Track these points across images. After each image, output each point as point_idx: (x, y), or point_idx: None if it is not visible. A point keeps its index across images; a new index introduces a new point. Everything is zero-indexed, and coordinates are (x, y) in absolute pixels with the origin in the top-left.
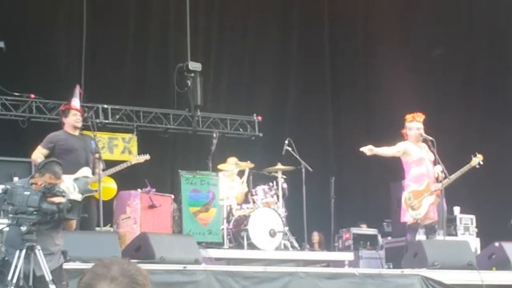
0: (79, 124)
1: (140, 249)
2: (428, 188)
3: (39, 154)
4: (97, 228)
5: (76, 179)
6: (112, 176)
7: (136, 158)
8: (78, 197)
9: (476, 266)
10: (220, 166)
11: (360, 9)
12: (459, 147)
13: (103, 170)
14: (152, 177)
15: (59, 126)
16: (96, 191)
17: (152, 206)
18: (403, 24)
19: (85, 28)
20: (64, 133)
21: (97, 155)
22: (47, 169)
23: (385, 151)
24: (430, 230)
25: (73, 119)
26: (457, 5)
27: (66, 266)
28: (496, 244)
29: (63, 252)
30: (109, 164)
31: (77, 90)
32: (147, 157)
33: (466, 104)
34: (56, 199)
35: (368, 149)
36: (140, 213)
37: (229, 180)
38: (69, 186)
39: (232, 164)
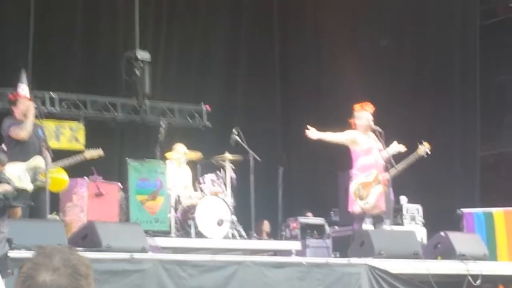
0: (29, 110)
1: (87, 237)
2: (376, 178)
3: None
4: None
5: (28, 168)
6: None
7: (90, 153)
8: (29, 186)
9: (422, 256)
10: (167, 154)
11: None
12: (407, 137)
13: (51, 160)
14: (99, 165)
15: (6, 114)
16: (46, 181)
17: (99, 194)
18: (354, 12)
19: (32, 15)
20: (14, 121)
21: (44, 144)
22: None
23: (333, 137)
24: (377, 219)
25: (23, 106)
26: None
27: (11, 254)
28: (442, 233)
29: (8, 240)
30: (56, 153)
31: (24, 76)
32: (101, 152)
33: (414, 93)
34: (1, 187)
35: (313, 133)
36: (87, 201)
37: (177, 167)
38: (21, 175)
39: (179, 152)
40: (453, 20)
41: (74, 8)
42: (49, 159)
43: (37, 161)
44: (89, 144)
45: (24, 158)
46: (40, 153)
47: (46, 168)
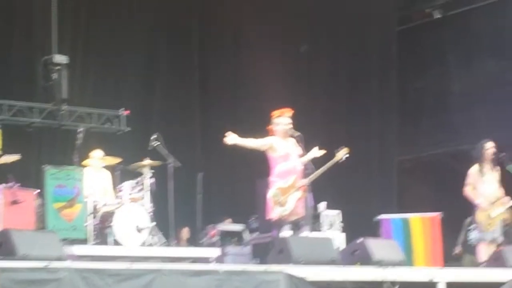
0: None
1: (1, 246)
2: (294, 184)
3: None
4: None
5: None
6: None
7: (4, 158)
8: None
9: (340, 262)
10: (85, 161)
11: (229, 5)
12: (326, 142)
13: None
14: (16, 172)
15: None
16: None
17: (15, 202)
18: (272, 18)
19: None
20: None
21: None
22: None
23: (249, 142)
24: (296, 226)
25: None
26: (321, 0)
27: None
28: (360, 240)
29: None
30: None
31: None
32: (17, 157)
33: (333, 99)
34: None
35: (230, 138)
36: (2, 209)
37: (94, 174)
38: None
39: (96, 158)
40: (371, 26)
41: None
42: None
43: None
44: (6, 150)
45: None
46: None
47: None
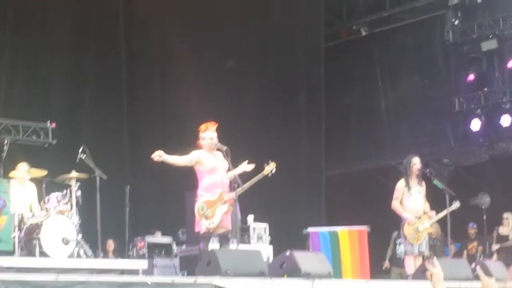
0: None
1: None
2: (221, 197)
3: None
4: None
5: None
6: None
7: None
8: None
9: (268, 274)
10: (11, 174)
11: (156, 17)
12: (254, 156)
13: None
14: None
15: None
16: None
17: None
18: (199, 33)
19: None
20: None
21: None
22: None
23: (177, 159)
24: (224, 239)
25: None
26: (248, 16)
27: None
28: (287, 253)
29: None
30: None
31: None
32: None
33: (262, 113)
34: None
35: (157, 155)
36: None
37: (20, 186)
38: None
39: (21, 170)
40: (298, 42)
41: None
42: None
43: None
44: None
45: None
46: None
47: None
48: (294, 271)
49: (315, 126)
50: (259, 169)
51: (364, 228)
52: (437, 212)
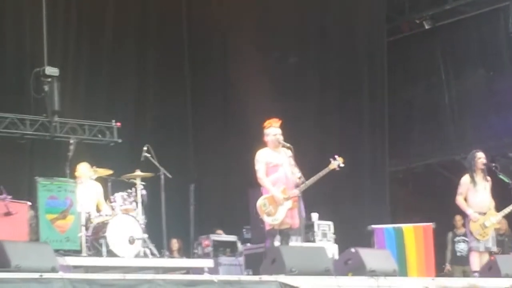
0: None
1: None
2: (284, 194)
3: None
4: None
5: None
6: None
7: None
8: None
9: (333, 272)
10: (77, 173)
11: (218, 16)
12: (317, 153)
13: None
14: (8, 183)
15: None
16: None
17: (7, 214)
18: (260, 32)
19: None
20: None
21: None
22: None
23: (269, 184)
24: (285, 236)
25: None
26: (310, 12)
27: None
28: (352, 250)
29: None
30: None
31: None
32: None
33: (324, 110)
34: None
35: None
36: None
37: (85, 186)
38: None
39: (84, 170)
40: (360, 37)
41: None
42: None
43: None
44: None
45: None
46: None
47: None
48: (359, 269)
49: (378, 121)
50: (321, 165)
51: (429, 225)
52: (504, 207)
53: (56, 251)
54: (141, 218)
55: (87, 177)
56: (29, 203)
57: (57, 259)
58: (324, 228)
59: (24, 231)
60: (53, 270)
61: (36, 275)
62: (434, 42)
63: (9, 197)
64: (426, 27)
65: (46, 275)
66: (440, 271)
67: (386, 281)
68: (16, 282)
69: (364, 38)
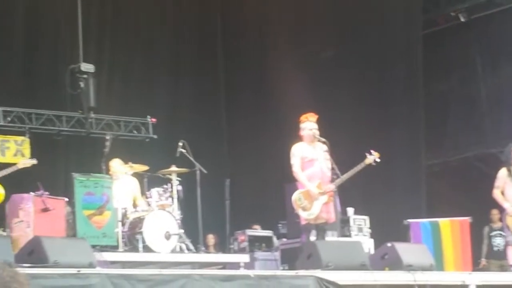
0: None
1: (33, 253)
2: (319, 188)
3: None
4: None
5: None
6: (2, 180)
7: (23, 163)
8: None
9: (369, 267)
10: (112, 169)
11: (253, 11)
12: (352, 147)
13: None
14: (45, 180)
15: None
16: None
17: (45, 210)
18: (294, 24)
19: None
20: None
21: None
22: None
23: (300, 174)
24: (321, 230)
25: None
26: (345, 5)
27: None
28: (389, 244)
29: None
30: (1, 167)
31: None
32: (34, 161)
33: (359, 103)
34: None
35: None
36: (33, 217)
37: (120, 182)
38: None
39: (116, 166)
40: (396, 30)
41: (15, 22)
42: None
43: None
44: (35, 158)
45: None
46: None
47: None
48: (395, 263)
49: (414, 114)
50: (356, 159)
51: (466, 219)
52: None
53: (93, 246)
54: (177, 214)
55: (120, 173)
56: (66, 199)
57: (95, 255)
58: (359, 222)
59: (62, 227)
60: (91, 265)
61: (74, 271)
62: (470, 34)
63: (46, 193)
64: (462, 19)
65: (84, 271)
66: (476, 266)
67: (423, 275)
68: (54, 278)
69: (399, 31)
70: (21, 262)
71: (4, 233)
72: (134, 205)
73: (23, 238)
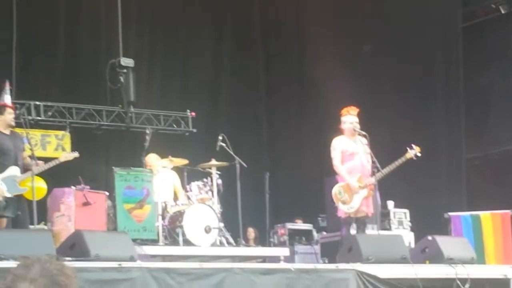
0: (14, 123)
1: (75, 246)
2: (359, 182)
3: None
4: (31, 226)
5: (4, 178)
6: (44, 174)
7: (65, 156)
8: (8, 195)
9: (410, 260)
10: (147, 165)
11: (291, 5)
12: (391, 140)
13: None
14: (85, 174)
15: None
16: (25, 190)
17: (86, 203)
18: (334, 18)
19: (15, 24)
20: None
21: (26, 153)
22: None
23: (340, 168)
24: (361, 224)
25: (9, 118)
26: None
27: None
28: (429, 237)
29: None
30: (43, 161)
31: (7, 86)
32: (76, 154)
33: (398, 97)
34: None
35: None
36: (74, 211)
37: (159, 176)
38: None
39: (152, 161)
40: (435, 23)
41: (56, 17)
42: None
43: (12, 171)
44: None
45: (0, 169)
46: (16, 164)
47: (32, 177)
48: (436, 257)
49: (454, 107)
50: (395, 153)
51: (507, 212)
52: None
53: (134, 240)
54: (217, 207)
55: (158, 167)
56: (107, 193)
57: (135, 248)
58: (400, 216)
59: (102, 220)
60: (132, 259)
61: (115, 264)
62: (510, 26)
63: (87, 187)
64: (503, 11)
65: (125, 264)
66: None
67: (464, 269)
68: (96, 271)
69: (439, 24)
70: (63, 256)
71: (46, 227)
72: (175, 199)
73: (64, 232)
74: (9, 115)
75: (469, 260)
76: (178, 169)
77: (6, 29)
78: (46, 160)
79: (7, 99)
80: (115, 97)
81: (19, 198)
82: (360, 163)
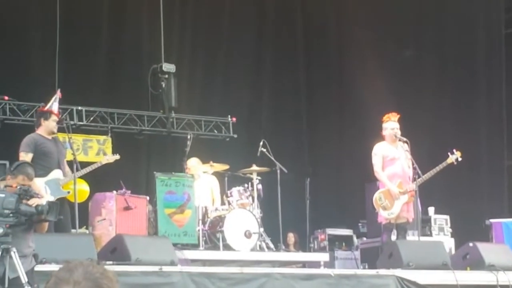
0: (56, 130)
1: (116, 250)
2: (400, 188)
3: (27, 159)
4: (73, 230)
5: (47, 181)
6: (86, 178)
7: (107, 158)
8: (51, 199)
9: (451, 266)
10: (188, 169)
11: (332, 12)
12: (433, 146)
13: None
14: (127, 178)
15: (32, 128)
16: (68, 193)
17: (127, 208)
18: (376, 24)
19: (58, 28)
20: (40, 137)
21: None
22: (20, 171)
23: (381, 174)
24: (401, 230)
25: (52, 124)
26: (426, 4)
27: (41, 268)
28: (470, 244)
29: (34, 255)
30: (84, 166)
31: (58, 94)
32: (117, 157)
33: (439, 103)
34: (33, 201)
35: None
36: (115, 215)
37: (201, 180)
38: (41, 189)
39: (194, 165)
40: (478, 29)
41: (99, 22)
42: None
43: (55, 174)
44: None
45: (43, 174)
46: (59, 167)
47: (74, 180)
48: (477, 263)
49: (496, 113)
50: (436, 159)
51: None
52: None
53: (174, 245)
54: (257, 212)
55: (199, 172)
56: (148, 198)
57: (176, 253)
58: (441, 222)
59: (143, 225)
60: (172, 263)
61: (155, 268)
62: None
63: (128, 191)
64: None
65: (166, 268)
66: None
67: (505, 275)
68: (137, 275)
69: (482, 29)
70: (104, 260)
71: (87, 231)
72: (214, 204)
73: (105, 236)
74: (53, 122)
75: (511, 266)
76: (219, 174)
77: (50, 34)
78: (88, 164)
79: (55, 106)
80: (156, 102)
81: (62, 202)
82: (401, 169)
